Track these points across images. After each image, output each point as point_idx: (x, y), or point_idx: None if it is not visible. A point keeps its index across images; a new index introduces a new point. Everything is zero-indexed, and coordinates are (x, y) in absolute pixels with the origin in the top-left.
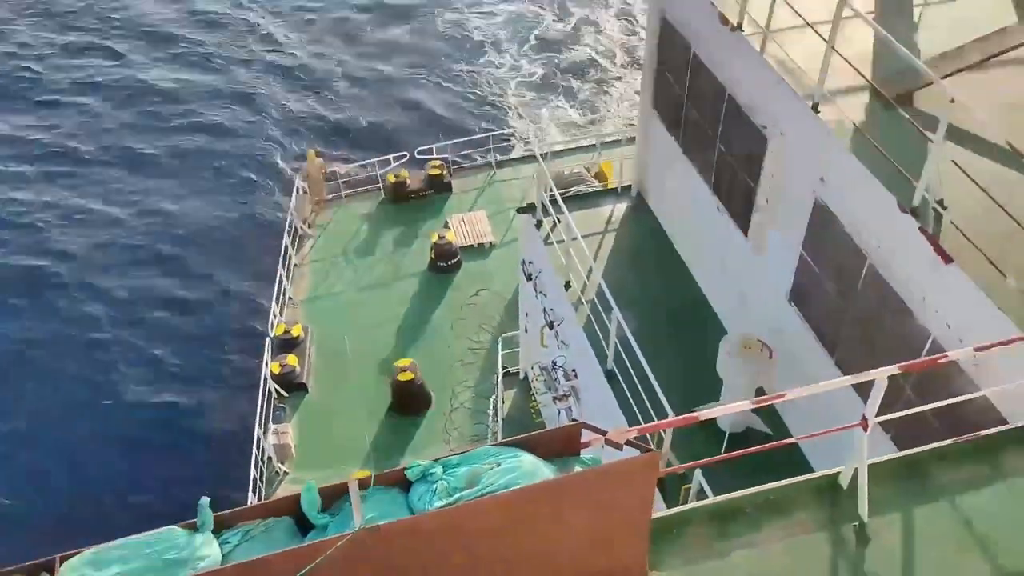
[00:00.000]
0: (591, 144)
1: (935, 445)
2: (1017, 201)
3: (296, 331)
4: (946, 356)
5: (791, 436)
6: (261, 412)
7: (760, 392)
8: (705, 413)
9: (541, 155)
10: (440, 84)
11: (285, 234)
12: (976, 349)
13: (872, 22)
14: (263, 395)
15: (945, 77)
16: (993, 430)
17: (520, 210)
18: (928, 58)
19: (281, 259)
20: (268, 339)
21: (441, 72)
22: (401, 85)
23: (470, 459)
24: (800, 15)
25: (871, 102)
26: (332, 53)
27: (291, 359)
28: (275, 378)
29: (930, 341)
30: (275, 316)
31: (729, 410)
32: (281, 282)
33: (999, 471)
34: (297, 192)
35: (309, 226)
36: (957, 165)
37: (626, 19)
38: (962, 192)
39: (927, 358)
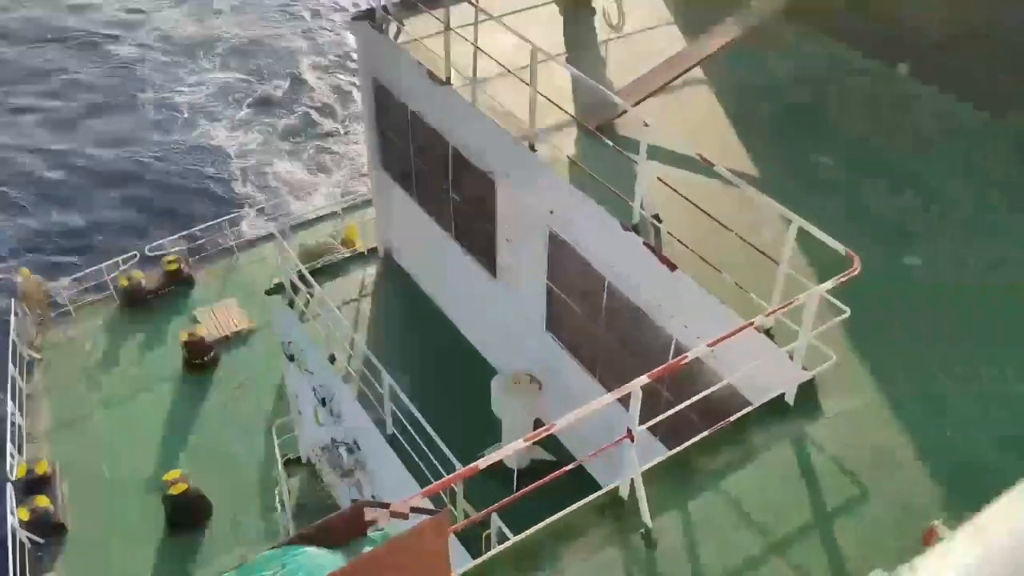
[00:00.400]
0: (333, 211)
1: (696, 439)
2: (718, 205)
3: (41, 468)
4: (685, 357)
5: (574, 459)
6: (16, 568)
7: (538, 423)
8: (483, 460)
9: (280, 232)
10: (159, 170)
11: (10, 364)
12: (709, 344)
13: (565, 64)
14: (15, 548)
15: (636, 104)
16: (740, 413)
17: (269, 292)
18: (620, 88)
19: (9, 392)
20: (9, 484)
21: (158, 157)
22: (117, 178)
23: (250, 570)
24: (501, 64)
25: (580, 135)
26: (34, 149)
27: (41, 500)
28: (26, 525)
29: (674, 344)
30: (13, 457)
31: (504, 452)
32: (14, 418)
33: (750, 450)
34: (16, 315)
35: (37, 350)
36: (662, 181)
37: (337, 74)
38: (673, 204)
39: (671, 362)
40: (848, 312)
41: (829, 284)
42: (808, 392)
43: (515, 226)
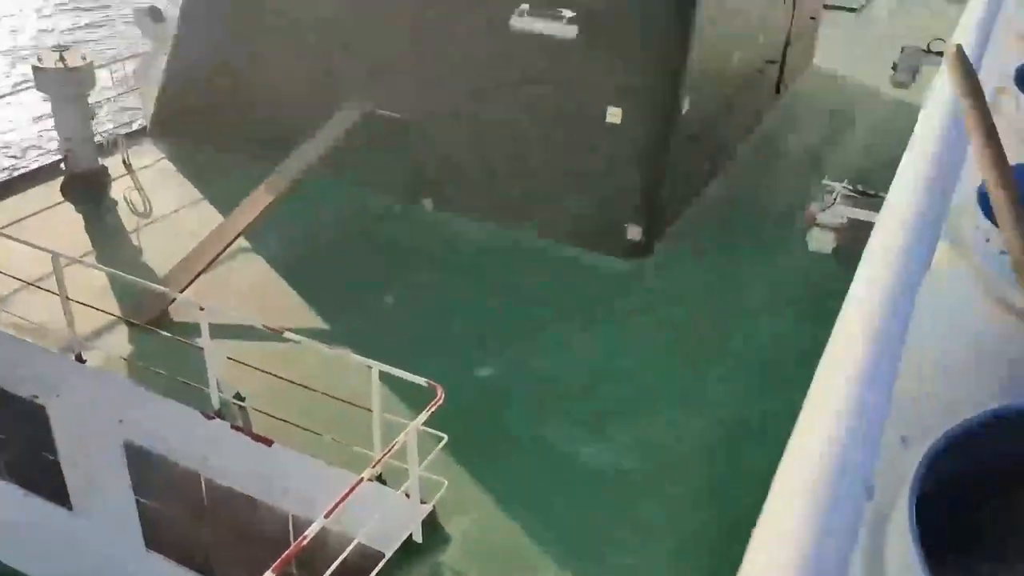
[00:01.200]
0: None
1: None
2: (303, 366)
3: None
4: (305, 537)
5: None
6: None
7: None
8: None
9: None
10: None
11: None
12: (326, 515)
13: (94, 264)
14: None
15: (184, 288)
16: (376, 569)
17: None
18: (165, 274)
19: None
20: None
21: None
22: None
23: None
24: (18, 277)
25: (133, 333)
26: None
27: None
28: None
29: (291, 520)
30: None
31: None
32: None
33: None
34: None
35: None
36: (233, 359)
37: None
38: (256, 377)
39: (292, 547)
40: (446, 437)
41: (422, 417)
42: (433, 524)
43: (82, 447)
